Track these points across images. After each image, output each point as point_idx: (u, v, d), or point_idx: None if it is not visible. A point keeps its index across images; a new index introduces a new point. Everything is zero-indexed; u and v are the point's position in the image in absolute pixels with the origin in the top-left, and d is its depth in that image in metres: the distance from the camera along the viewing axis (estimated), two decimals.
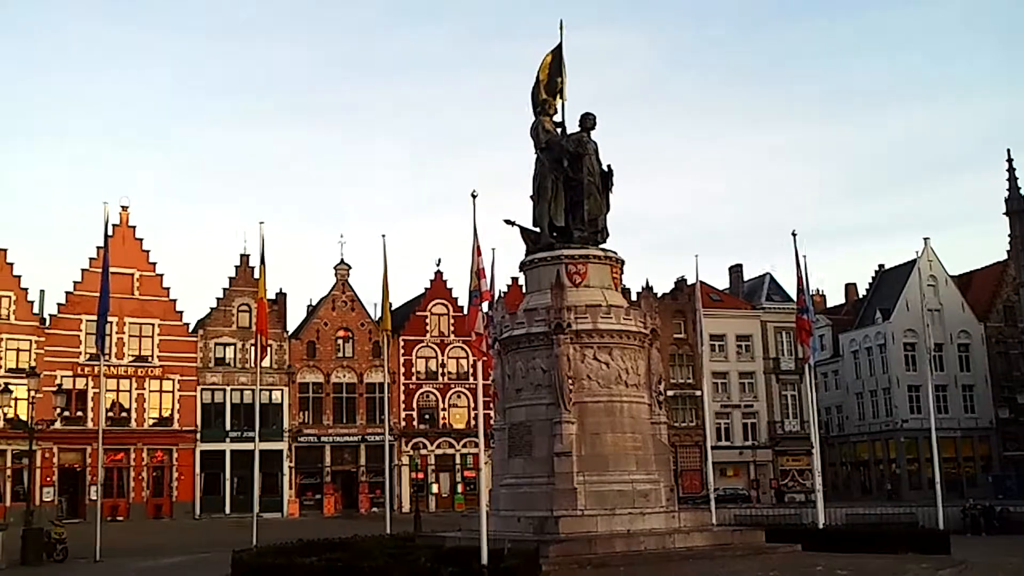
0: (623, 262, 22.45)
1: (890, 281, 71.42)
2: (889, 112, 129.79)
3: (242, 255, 57.12)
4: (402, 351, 59.75)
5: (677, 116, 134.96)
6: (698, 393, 61.86)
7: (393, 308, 39.62)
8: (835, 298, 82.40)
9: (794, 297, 37.71)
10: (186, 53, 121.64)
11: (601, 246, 22.16)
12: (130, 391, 53.33)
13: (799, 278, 27.02)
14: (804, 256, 26.74)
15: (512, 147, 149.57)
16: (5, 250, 51.79)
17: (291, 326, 61.46)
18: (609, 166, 22.41)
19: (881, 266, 75.11)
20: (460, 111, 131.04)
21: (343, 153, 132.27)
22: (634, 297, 56.79)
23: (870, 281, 75.68)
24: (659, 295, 64.42)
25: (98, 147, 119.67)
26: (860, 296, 77.27)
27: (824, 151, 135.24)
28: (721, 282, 73.15)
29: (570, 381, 20.11)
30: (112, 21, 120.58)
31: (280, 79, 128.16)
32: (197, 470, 53.98)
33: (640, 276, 76.08)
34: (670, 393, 46.89)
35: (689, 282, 61.11)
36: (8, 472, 49.37)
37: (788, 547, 20.76)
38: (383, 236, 31.26)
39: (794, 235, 26.79)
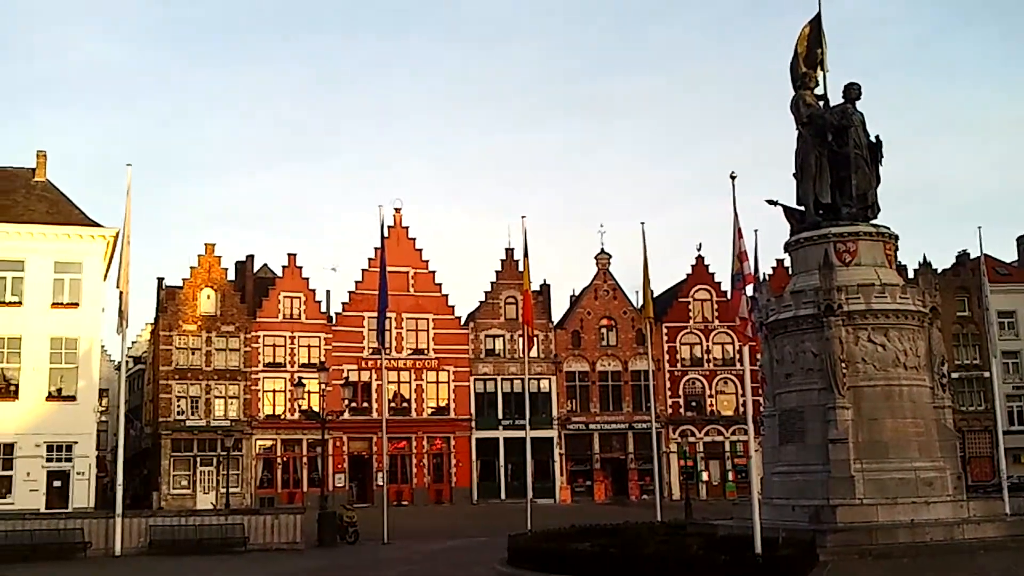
0: (897, 237, 21.22)
1: None
2: None
3: (507, 249, 59.03)
4: (665, 338, 59.43)
5: (950, 79, 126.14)
6: (986, 375, 57.59)
7: (655, 295, 39.49)
8: None
9: None
10: (451, 60, 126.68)
11: (872, 222, 21.05)
12: (409, 382, 56.23)
13: None
14: None
15: (771, 125, 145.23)
16: (294, 254, 56.03)
17: (555, 316, 62.61)
18: (877, 137, 21.26)
19: None
20: (715, 93, 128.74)
21: (599, 145, 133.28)
22: (911, 274, 53.61)
23: None
24: (939, 271, 60.49)
25: (371, 154, 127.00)
26: None
27: None
28: (1008, 254, 67.75)
29: (843, 365, 19.26)
30: (386, 34, 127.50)
31: (536, 79, 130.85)
32: (473, 457, 56.13)
33: (917, 251, 72.03)
34: (954, 375, 43.99)
35: (972, 256, 57.17)
36: (304, 460, 53.37)
37: None
38: (642, 223, 31.23)
39: None
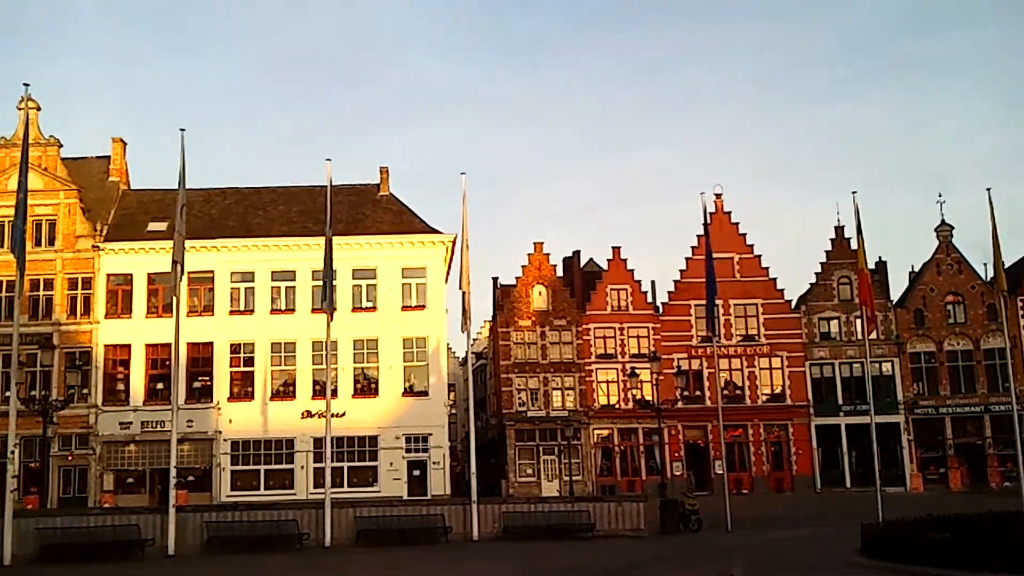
0: None
1: None
2: None
3: (836, 227, 56.65)
4: (1021, 312, 54.53)
5: None
6: None
7: (1006, 266, 36.41)
8: None
9: None
10: (756, 35, 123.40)
11: None
12: (741, 369, 55.38)
13: None
14: None
15: None
16: (619, 247, 56.90)
17: (894, 295, 59.25)
18: None
19: None
20: None
21: (927, 109, 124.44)
22: None
23: None
24: None
25: (690, 142, 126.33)
26: None
27: None
28: None
29: None
30: (688, 23, 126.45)
31: (846, 45, 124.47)
32: (813, 444, 54.37)
33: None
34: None
35: None
36: (640, 448, 54.09)
37: None
38: (988, 190, 29.06)
39: None
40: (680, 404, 49.28)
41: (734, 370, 55.39)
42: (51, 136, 48.51)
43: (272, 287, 47.42)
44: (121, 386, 46.32)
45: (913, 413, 54.59)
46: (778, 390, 55.50)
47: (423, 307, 47.53)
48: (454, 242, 47.75)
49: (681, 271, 56.21)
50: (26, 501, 39.02)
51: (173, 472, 27.49)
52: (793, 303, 56.97)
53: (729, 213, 56.84)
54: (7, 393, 42.59)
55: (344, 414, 43.64)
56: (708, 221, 37.37)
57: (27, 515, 27.31)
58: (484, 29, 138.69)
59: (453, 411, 64.94)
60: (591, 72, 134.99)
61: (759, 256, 56.77)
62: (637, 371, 45.12)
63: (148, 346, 46.04)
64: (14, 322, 27.94)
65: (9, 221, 44.65)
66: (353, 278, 47.15)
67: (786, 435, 54.93)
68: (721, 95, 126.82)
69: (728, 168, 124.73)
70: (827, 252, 56.78)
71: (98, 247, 47.15)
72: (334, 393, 39.48)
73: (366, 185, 52.27)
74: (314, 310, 45.02)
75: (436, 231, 48.70)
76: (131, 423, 45.43)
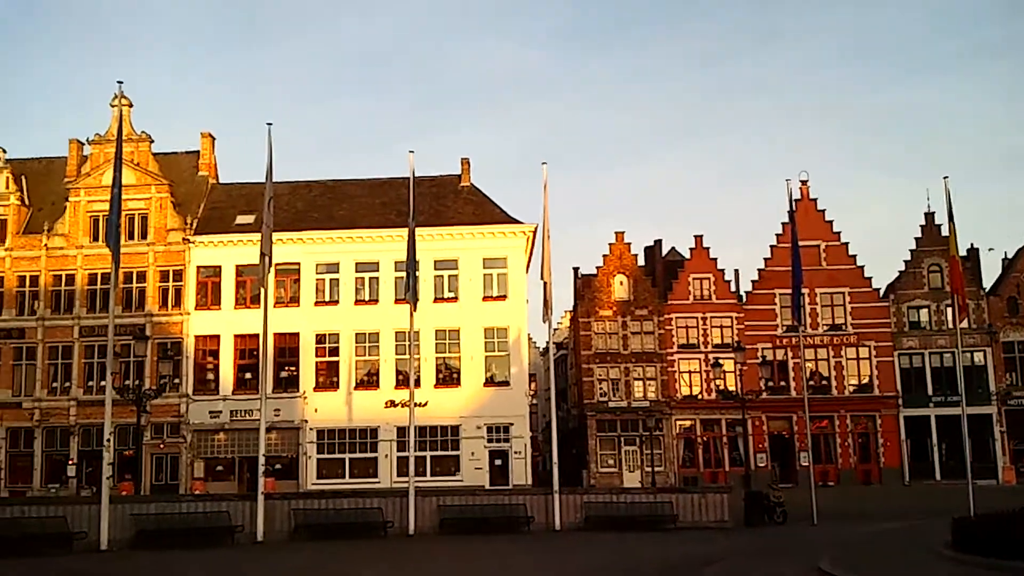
0: None
1: None
2: None
3: (926, 213, 55.27)
4: None
5: None
6: None
7: None
8: None
9: None
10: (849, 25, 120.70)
11: None
12: (827, 359, 54.40)
13: None
14: None
15: None
16: (701, 236, 56.34)
17: (987, 282, 57.55)
18: None
19: None
20: None
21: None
22: None
23: None
24: None
25: (773, 128, 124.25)
26: None
27: None
28: None
29: None
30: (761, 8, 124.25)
31: (941, 24, 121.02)
32: (902, 436, 53.21)
33: None
34: None
35: None
36: (724, 440, 53.55)
37: None
38: None
39: None
40: (764, 395, 48.61)
41: (820, 360, 54.45)
42: (143, 132, 49.86)
43: (356, 278, 48.08)
44: (211, 376, 47.48)
45: (1006, 404, 53.05)
46: (865, 380, 54.42)
47: (504, 297, 47.71)
48: (534, 232, 47.81)
49: (765, 259, 55.42)
50: (121, 488, 40.22)
51: (262, 460, 28.10)
52: (881, 291, 55.76)
53: (815, 200, 55.85)
54: (102, 383, 44.17)
55: (426, 404, 44.09)
56: (794, 208, 36.78)
57: (122, 501, 28.13)
58: (562, 15, 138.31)
59: (534, 401, 65.10)
60: (670, 58, 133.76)
61: (846, 243, 55.69)
62: (721, 361, 44.69)
63: (236, 336, 47.08)
64: (109, 313, 28.76)
65: (104, 215, 46.14)
66: (435, 269, 47.54)
67: (874, 426, 53.86)
68: (806, 79, 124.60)
69: (814, 154, 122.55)
70: (916, 239, 55.44)
71: (188, 240, 48.34)
72: (417, 383, 39.87)
73: (447, 176, 52.61)
74: (397, 301, 45.51)
75: (516, 221, 48.82)
76: (220, 412, 46.54)
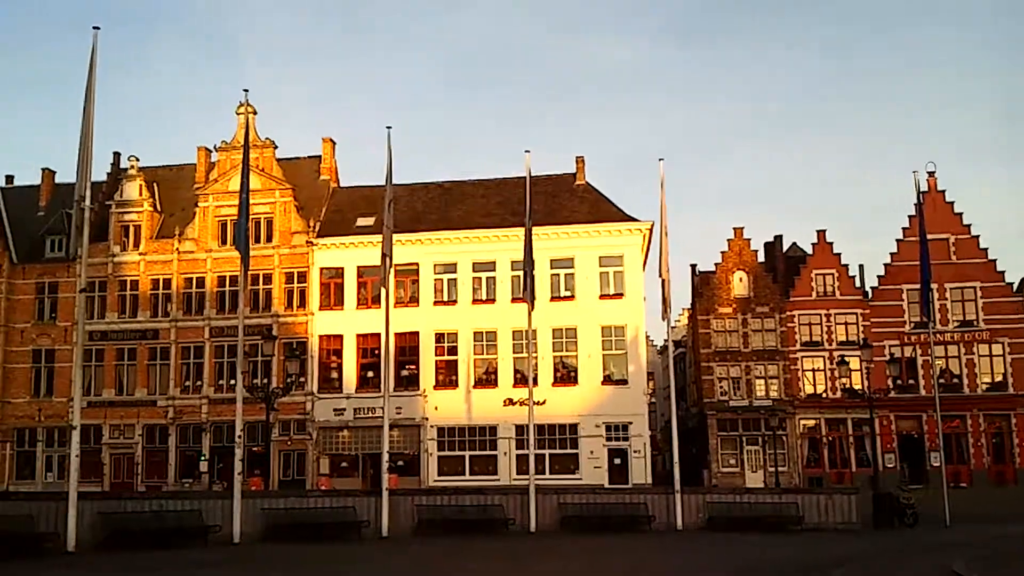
0: None
1: None
2: None
3: None
4: None
5: None
6: None
7: None
8: None
9: None
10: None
11: None
12: (958, 357, 52.46)
13: None
14: None
15: None
16: (823, 230, 54.98)
17: None
18: None
19: None
20: None
21: None
22: None
23: None
24: None
25: (896, 119, 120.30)
26: None
27: None
28: None
29: None
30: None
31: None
32: None
33: None
34: None
35: None
36: (850, 439, 52.17)
37: None
38: None
39: None
40: (892, 393, 47.21)
41: (950, 357, 52.54)
42: (267, 138, 51.37)
43: (473, 278, 48.54)
44: (334, 374, 48.61)
45: None
46: (999, 378, 52.28)
47: (621, 295, 47.49)
48: (651, 229, 47.46)
49: (892, 254, 53.78)
50: (251, 483, 41.44)
51: (385, 457, 28.64)
52: (1015, 286, 53.49)
53: (943, 192, 53.93)
54: (232, 381, 45.67)
55: (544, 402, 44.21)
56: (921, 201, 35.67)
57: (252, 496, 28.98)
58: (676, 6, 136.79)
59: (652, 400, 64.58)
60: (789, 47, 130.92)
61: (977, 236, 53.60)
62: (846, 359, 43.59)
63: (359, 336, 48.10)
64: (239, 314, 29.70)
65: (231, 220, 47.70)
66: (551, 267, 47.62)
67: (1008, 426, 51.71)
68: (926, 63, 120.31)
69: (940, 144, 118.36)
70: None
71: (311, 243, 49.60)
72: (535, 381, 39.98)
73: (562, 175, 52.64)
74: (514, 300, 45.81)
75: (632, 219, 48.53)
76: (344, 410, 47.62)
